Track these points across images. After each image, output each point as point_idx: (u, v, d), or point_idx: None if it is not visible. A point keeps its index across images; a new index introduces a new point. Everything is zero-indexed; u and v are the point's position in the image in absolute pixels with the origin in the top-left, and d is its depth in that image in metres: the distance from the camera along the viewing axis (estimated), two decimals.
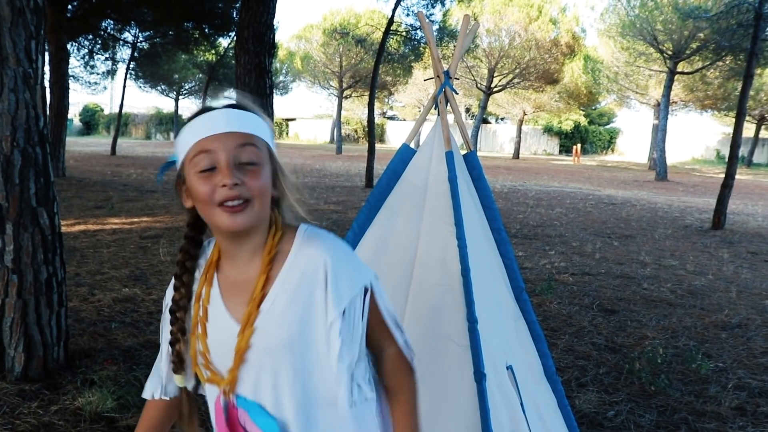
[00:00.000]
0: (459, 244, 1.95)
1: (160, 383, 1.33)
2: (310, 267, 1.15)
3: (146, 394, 1.35)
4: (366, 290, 1.20)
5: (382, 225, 2.14)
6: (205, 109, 1.15)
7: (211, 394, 1.22)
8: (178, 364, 1.23)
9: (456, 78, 2.23)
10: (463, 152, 2.25)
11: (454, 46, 2.23)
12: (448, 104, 2.20)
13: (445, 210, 2.03)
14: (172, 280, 1.26)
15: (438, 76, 2.20)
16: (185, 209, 1.24)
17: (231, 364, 1.15)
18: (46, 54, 14.46)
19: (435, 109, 2.22)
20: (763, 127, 37.36)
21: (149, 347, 3.98)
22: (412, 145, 2.24)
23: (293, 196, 1.22)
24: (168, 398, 1.33)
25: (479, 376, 1.87)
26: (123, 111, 27.18)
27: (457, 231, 1.97)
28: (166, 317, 1.27)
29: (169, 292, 1.27)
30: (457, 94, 2.27)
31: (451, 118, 2.24)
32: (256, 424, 1.14)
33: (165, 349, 1.29)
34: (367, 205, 2.14)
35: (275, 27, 9.26)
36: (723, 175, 11.08)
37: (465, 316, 1.92)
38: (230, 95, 1.18)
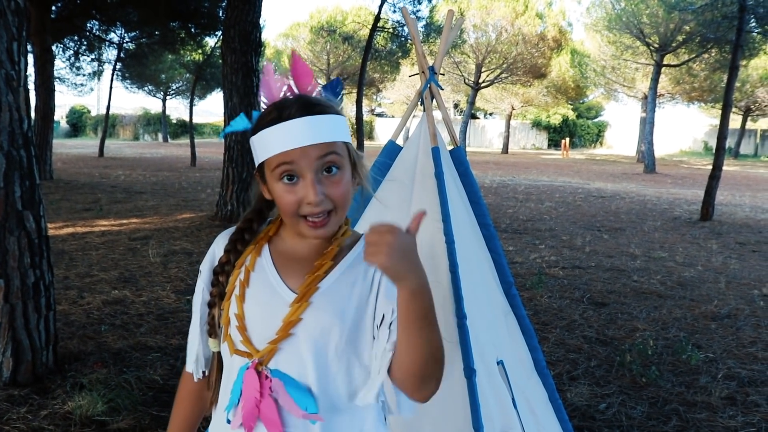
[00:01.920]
0: (446, 240, 1.95)
1: (197, 352, 1.30)
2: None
3: (189, 367, 1.32)
4: None
5: (369, 222, 2.13)
6: (283, 113, 1.11)
7: (234, 364, 1.19)
8: (213, 327, 1.23)
9: (441, 74, 2.23)
10: (450, 148, 2.25)
11: None
12: (434, 100, 2.20)
13: (432, 206, 2.03)
14: (219, 240, 1.26)
15: (423, 72, 2.20)
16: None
17: (272, 335, 1.13)
18: (31, 56, 14.37)
19: (421, 105, 2.22)
20: (749, 118, 37.63)
21: (139, 349, 3.96)
22: (398, 142, 2.23)
23: (366, 179, 1.26)
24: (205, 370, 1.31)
25: (469, 372, 1.87)
26: (110, 112, 26.98)
27: (445, 227, 1.97)
28: (202, 281, 1.26)
29: (210, 255, 1.26)
30: (443, 90, 2.27)
31: (437, 114, 2.23)
32: (291, 397, 1.12)
33: (198, 318, 1.28)
34: (354, 202, 2.13)
35: (262, 26, 9.23)
36: (711, 167, 11.15)
37: (454, 312, 1.92)
38: (305, 96, 1.15)
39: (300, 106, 1.12)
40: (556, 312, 5.11)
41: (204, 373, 1.31)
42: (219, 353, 1.26)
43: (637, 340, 4.47)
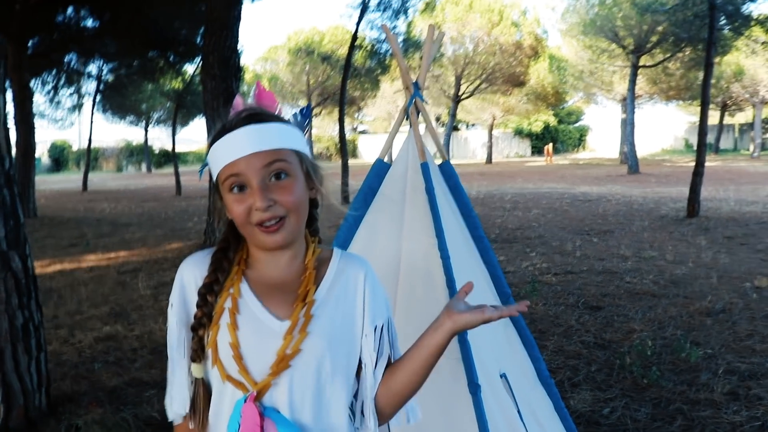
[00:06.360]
0: (442, 255, 1.93)
1: (183, 396, 1.20)
2: (352, 278, 1.20)
3: (174, 417, 1.22)
4: (390, 320, 1.24)
5: (362, 242, 2.11)
6: (228, 127, 1.12)
7: (226, 391, 1.13)
8: (199, 351, 1.15)
9: (426, 88, 2.22)
10: (438, 162, 2.24)
11: (420, 57, 2.22)
12: (420, 115, 2.19)
13: (425, 222, 2.01)
14: (185, 267, 1.19)
15: (407, 88, 2.19)
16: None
17: (265, 366, 1.09)
18: (9, 93, 14.27)
19: (407, 120, 2.21)
20: (726, 113, 38.13)
21: (135, 385, 3.89)
22: (386, 159, 2.22)
23: (330, 191, 1.23)
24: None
25: (474, 388, 1.84)
26: (92, 145, 26.85)
27: (439, 242, 1.95)
28: (174, 315, 1.20)
29: (178, 285, 1.19)
30: (427, 104, 2.26)
31: (423, 128, 2.22)
32: None
33: (176, 353, 1.21)
34: (346, 223, 2.11)
35: (240, 51, 9.23)
36: (693, 164, 11.24)
37: None
38: (247, 104, 1.16)
39: (245, 117, 1.13)
40: (552, 319, 5.10)
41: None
42: (201, 381, 1.17)
43: (635, 341, 4.46)
